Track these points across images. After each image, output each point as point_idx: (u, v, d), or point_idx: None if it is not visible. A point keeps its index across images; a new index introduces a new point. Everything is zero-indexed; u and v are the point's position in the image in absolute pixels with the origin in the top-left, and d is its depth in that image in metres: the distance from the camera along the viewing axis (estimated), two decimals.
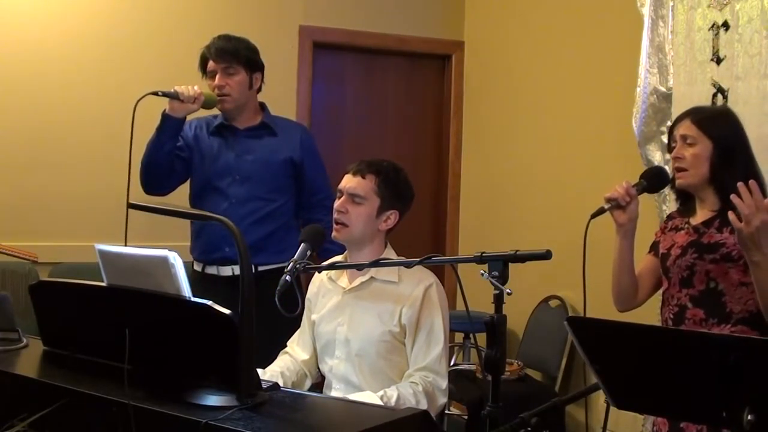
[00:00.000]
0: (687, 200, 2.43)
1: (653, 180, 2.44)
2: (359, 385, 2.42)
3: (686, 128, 2.33)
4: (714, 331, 2.24)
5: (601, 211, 2.35)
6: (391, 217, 2.50)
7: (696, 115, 2.36)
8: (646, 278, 2.48)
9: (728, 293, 2.26)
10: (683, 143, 2.33)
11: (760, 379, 1.53)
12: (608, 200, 2.36)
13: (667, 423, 2.35)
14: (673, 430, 2.32)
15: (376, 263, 2.31)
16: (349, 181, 2.50)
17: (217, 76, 3.18)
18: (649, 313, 2.74)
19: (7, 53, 4.14)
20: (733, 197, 2.08)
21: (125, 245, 2.37)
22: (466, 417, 4.07)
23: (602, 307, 2.53)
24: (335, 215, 2.49)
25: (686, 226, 2.38)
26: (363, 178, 2.48)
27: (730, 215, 2.10)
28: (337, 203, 2.50)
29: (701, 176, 2.30)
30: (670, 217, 2.51)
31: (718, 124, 2.34)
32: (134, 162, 2.99)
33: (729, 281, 2.26)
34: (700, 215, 2.36)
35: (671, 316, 2.36)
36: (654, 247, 2.49)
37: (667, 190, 3.03)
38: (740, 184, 2.08)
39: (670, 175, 2.45)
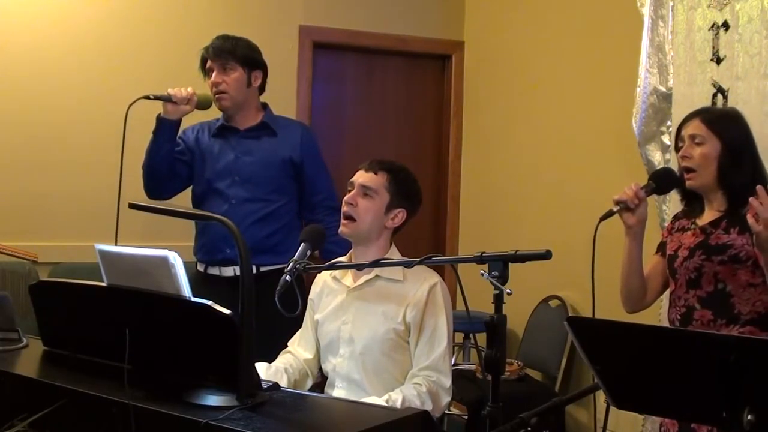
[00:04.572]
0: (692, 201, 2.43)
1: (662, 181, 2.43)
2: (362, 384, 2.43)
3: (695, 127, 2.32)
4: (723, 332, 2.23)
5: (610, 214, 2.34)
6: (399, 215, 2.52)
7: (706, 114, 2.36)
8: (654, 279, 2.48)
9: (736, 294, 2.26)
10: (692, 142, 2.32)
11: (760, 379, 1.53)
12: (617, 202, 2.35)
13: (676, 424, 2.33)
14: (683, 430, 2.30)
15: (376, 263, 2.31)
16: (361, 176, 2.54)
17: (214, 74, 3.18)
18: (649, 313, 2.73)
19: (7, 54, 4.14)
20: (752, 200, 2.07)
21: (116, 244, 2.37)
22: (466, 417, 4.07)
23: (605, 307, 2.53)
24: (344, 208, 2.51)
25: (693, 226, 2.37)
26: (375, 174, 2.53)
27: (749, 218, 2.09)
28: (347, 196, 2.52)
29: (710, 177, 2.30)
30: (676, 217, 2.50)
31: (727, 124, 2.33)
32: (126, 165, 2.99)
33: (737, 283, 2.25)
34: (707, 215, 2.36)
35: (678, 317, 2.36)
36: (661, 248, 2.48)
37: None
38: (759, 187, 2.08)
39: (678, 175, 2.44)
